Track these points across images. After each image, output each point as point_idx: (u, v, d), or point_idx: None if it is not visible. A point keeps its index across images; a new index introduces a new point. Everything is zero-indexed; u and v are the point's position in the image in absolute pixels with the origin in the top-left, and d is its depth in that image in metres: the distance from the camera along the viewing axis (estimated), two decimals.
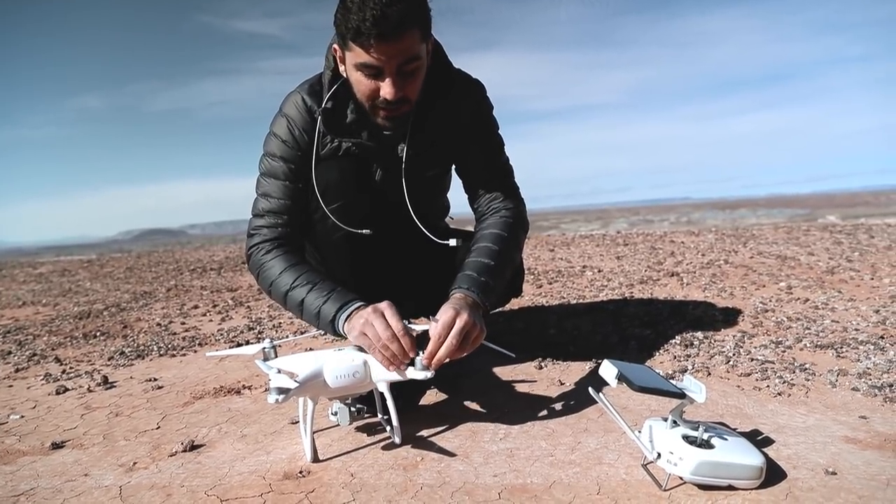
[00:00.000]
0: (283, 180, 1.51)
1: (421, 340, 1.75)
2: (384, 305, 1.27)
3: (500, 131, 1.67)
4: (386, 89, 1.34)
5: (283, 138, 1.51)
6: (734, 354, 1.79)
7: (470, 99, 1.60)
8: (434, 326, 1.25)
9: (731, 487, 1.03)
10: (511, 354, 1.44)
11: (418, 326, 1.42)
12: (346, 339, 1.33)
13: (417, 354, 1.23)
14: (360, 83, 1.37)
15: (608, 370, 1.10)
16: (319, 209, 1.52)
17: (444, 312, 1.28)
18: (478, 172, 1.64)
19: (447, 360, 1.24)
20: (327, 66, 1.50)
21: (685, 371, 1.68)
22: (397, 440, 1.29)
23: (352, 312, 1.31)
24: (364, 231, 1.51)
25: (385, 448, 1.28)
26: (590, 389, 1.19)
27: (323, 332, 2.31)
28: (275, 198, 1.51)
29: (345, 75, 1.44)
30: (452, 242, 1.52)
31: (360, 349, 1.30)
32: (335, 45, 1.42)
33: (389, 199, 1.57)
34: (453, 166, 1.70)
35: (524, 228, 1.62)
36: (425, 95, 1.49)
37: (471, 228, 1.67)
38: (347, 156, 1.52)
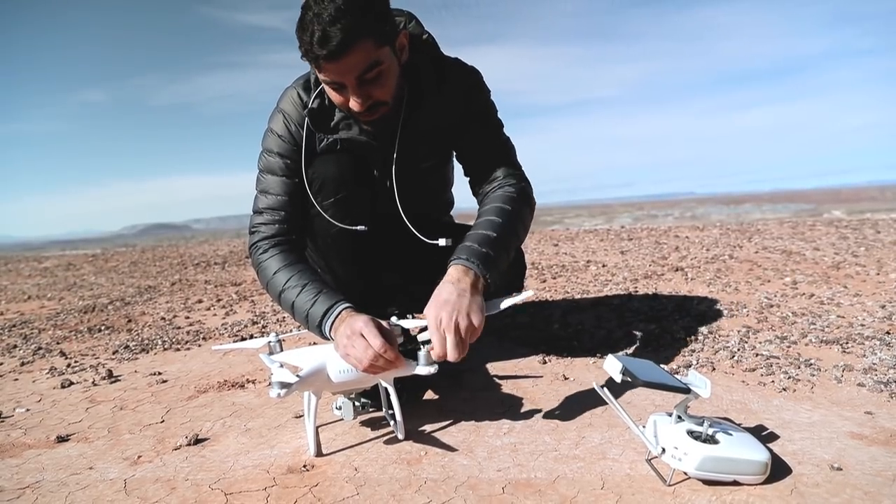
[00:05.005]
0: (280, 176, 1.51)
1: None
2: (361, 325, 1.22)
3: (498, 115, 1.63)
4: (352, 103, 1.33)
5: (280, 134, 1.51)
6: (739, 350, 1.79)
7: (464, 86, 1.57)
8: (431, 322, 1.23)
9: (735, 483, 1.03)
10: (524, 294, 1.40)
11: (411, 323, 1.42)
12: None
13: (419, 349, 1.23)
14: (332, 95, 1.37)
15: (612, 365, 1.10)
16: (318, 205, 1.51)
17: (435, 311, 1.24)
18: (477, 154, 1.60)
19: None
20: (312, 73, 1.48)
21: (690, 366, 1.68)
22: (400, 436, 1.29)
23: (335, 318, 1.30)
24: (359, 227, 1.49)
25: (389, 442, 1.28)
26: (594, 384, 1.18)
27: None
28: (273, 194, 1.51)
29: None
30: (442, 242, 1.49)
31: None
32: None
33: (387, 193, 1.56)
34: (454, 156, 1.68)
35: (529, 205, 1.56)
36: (416, 90, 1.48)
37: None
38: (345, 150, 1.52)
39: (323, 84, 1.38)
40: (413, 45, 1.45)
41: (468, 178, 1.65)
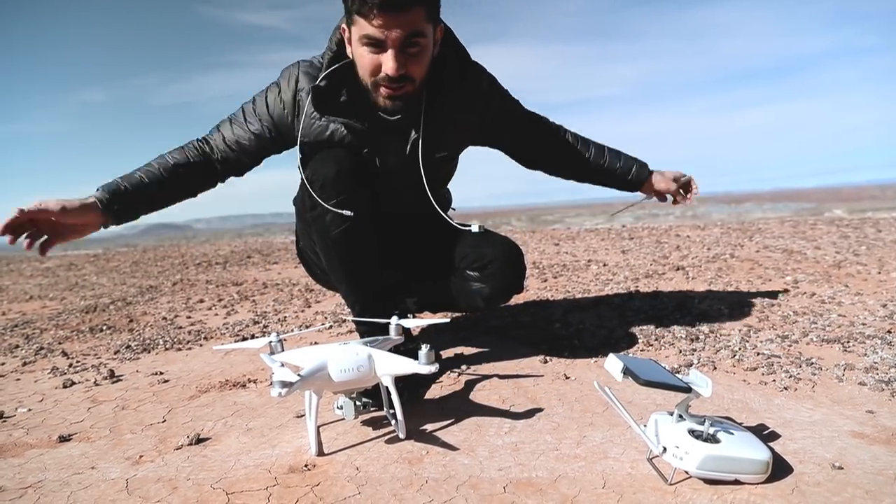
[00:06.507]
0: (248, 134, 1.56)
1: (422, 336, 1.75)
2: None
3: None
4: (388, 63, 1.34)
5: (270, 106, 1.54)
6: (740, 349, 1.79)
7: (484, 86, 1.63)
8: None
9: (737, 482, 1.03)
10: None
11: (411, 323, 1.42)
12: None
13: (420, 348, 1.23)
14: (363, 58, 1.37)
15: (613, 364, 1.10)
16: (318, 206, 1.50)
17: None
18: (533, 140, 1.77)
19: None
20: (329, 47, 1.50)
21: (691, 365, 1.68)
22: (402, 435, 1.29)
23: None
24: (345, 212, 1.48)
25: (390, 442, 1.28)
26: (595, 384, 1.18)
27: (329, 326, 2.32)
28: (231, 140, 1.56)
29: (351, 56, 1.45)
30: (475, 228, 1.52)
31: (365, 343, 1.31)
32: (343, 26, 1.43)
33: (393, 185, 1.56)
34: (508, 151, 1.80)
35: None
36: (437, 81, 1.49)
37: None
38: (342, 146, 1.51)
39: (356, 44, 1.38)
40: (443, 40, 1.48)
41: (538, 164, 1.83)
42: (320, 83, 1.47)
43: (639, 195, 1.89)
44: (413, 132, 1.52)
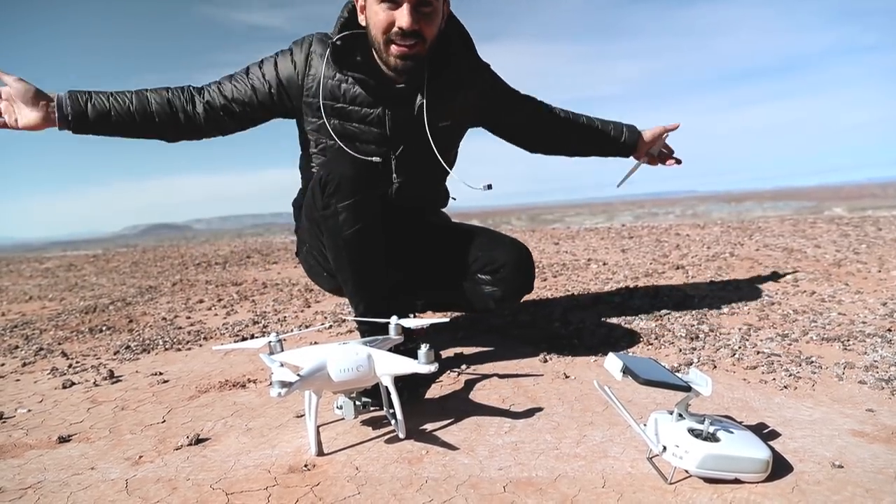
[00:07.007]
0: (247, 88, 1.59)
1: (421, 335, 1.74)
2: None
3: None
4: (403, 18, 1.42)
5: (279, 67, 1.59)
6: (740, 347, 1.79)
7: (485, 75, 1.72)
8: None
9: (737, 481, 1.03)
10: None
11: (412, 322, 1.42)
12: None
13: (419, 348, 1.23)
14: (378, 15, 1.45)
15: (613, 363, 1.10)
16: (331, 205, 1.49)
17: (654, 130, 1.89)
18: (530, 120, 1.83)
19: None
20: (340, 14, 1.56)
21: (690, 364, 1.68)
22: (401, 435, 1.29)
23: None
24: (375, 159, 1.54)
25: (390, 441, 1.28)
26: (595, 383, 1.18)
27: (328, 326, 2.32)
28: (227, 90, 1.58)
29: (363, 24, 1.52)
30: (480, 186, 1.61)
31: (365, 343, 1.30)
32: None
33: (403, 156, 1.61)
34: (502, 134, 1.86)
35: None
36: (441, 56, 1.56)
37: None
38: (355, 104, 1.56)
39: (372, 3, 1.46)
40: (448, 21, 1.58)
41: (531, 143, 1.89)
42: (336, 41, 1.54)
43: (633, 161, 1.96)
44: (419, 96, 1.58)
